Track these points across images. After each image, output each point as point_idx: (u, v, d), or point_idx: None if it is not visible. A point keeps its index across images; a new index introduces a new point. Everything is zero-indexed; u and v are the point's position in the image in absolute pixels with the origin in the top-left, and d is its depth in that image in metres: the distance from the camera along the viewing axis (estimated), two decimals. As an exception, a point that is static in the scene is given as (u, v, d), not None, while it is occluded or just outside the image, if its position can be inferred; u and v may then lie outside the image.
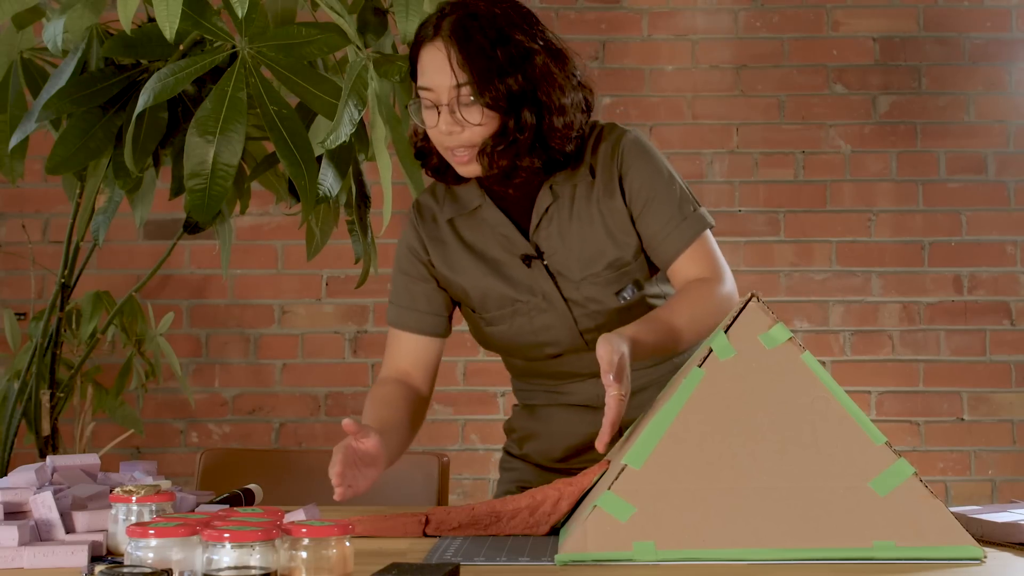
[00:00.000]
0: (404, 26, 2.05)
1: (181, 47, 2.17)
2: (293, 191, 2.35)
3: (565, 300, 1.84)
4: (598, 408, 1.83)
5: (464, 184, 1.89)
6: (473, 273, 1.88)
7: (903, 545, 1.29)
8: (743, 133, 3.82)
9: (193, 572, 1.14)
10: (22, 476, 1.58)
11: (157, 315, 3.00)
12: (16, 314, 3.12)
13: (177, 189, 2.23)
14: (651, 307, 1.85)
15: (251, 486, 1.84)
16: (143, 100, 1.98)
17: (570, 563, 1.31)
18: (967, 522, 1.45)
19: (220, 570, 1.09)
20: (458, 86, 1.72)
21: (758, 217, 3.78)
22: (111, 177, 2.29)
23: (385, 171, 2.16)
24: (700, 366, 1.38)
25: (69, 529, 1.47)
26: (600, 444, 1.53)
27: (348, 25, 2.06)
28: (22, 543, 1.39)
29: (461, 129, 1.75)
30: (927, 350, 3.75)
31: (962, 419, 3.74)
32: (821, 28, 3.83)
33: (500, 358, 2.02)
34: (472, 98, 1.73)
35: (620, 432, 1.71)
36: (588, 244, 1.83)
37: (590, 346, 1.75)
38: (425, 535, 1.54)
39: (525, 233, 1.86)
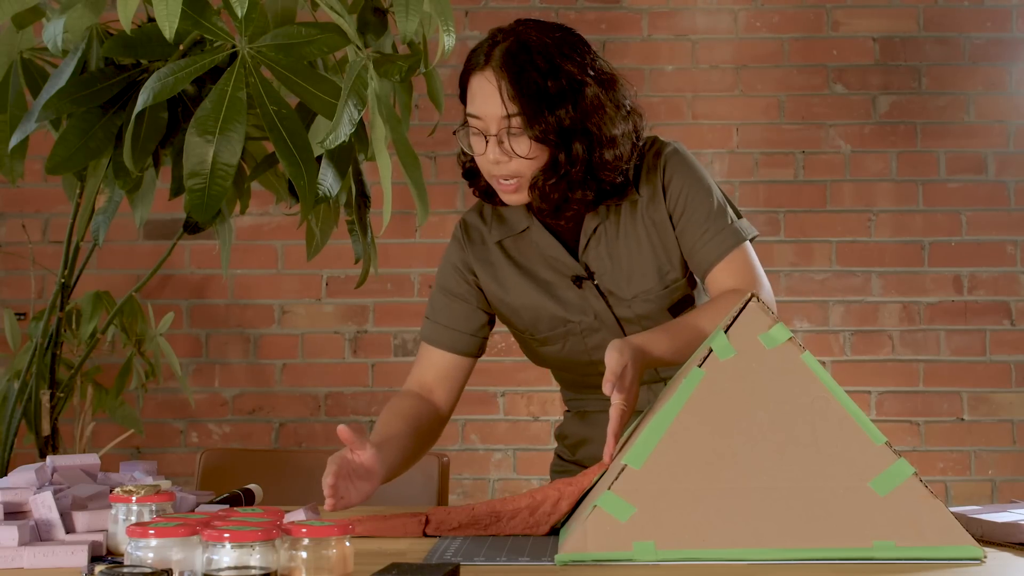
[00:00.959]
0: (404, 26, 2.05)
1: (181, 47, 2.17)
2: (293, 191, 2.35)
3: (617, 319, 1.85)
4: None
5: (511, 206, 1.88)
6: (525, 293, 1.88)
7: (903, 545, 1.29)
8: (743, 133, 3.82)
9: (193, 572, 1.14)
10: (22, 476, 1.58)
11: (157, 315, 3.00)
12: (16, 314, 3.12)
13: (177, 189, 2.23)
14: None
15: (251, 486, 1.84)
16: (143, 100, 1.98)
17: (570, 563, 1.31)
18: (967, 522, 1.45)
19: (220, 570, 1.09)
20: (508, 116, 1.71)
21: (758, 217, 3.78)
22: (111, 177, 2.29)
23: (385, 171, 2.16)
24: (700, 366, 1.38)
25: (69, 529, 1.47)
26: (606, 455, 1.53)
27: (348, 25, 2.06)
28: (22, 543, 1.39)
29: (509, 159, 1.74)
30: (927, 350, 3.75)
31: (962, 419, 3.74)
32: (821, 28, 3.83)
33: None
34: (521, 130, 1.72)
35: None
36: (637, 262, 1.83)
37: None
38: (425, 535, 1.54)
39: (574, 254, 1.86)
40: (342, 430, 1.61)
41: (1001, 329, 3.75)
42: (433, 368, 1.94)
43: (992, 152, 3.79)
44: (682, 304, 1.87)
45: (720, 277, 1.79)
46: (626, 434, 1.67)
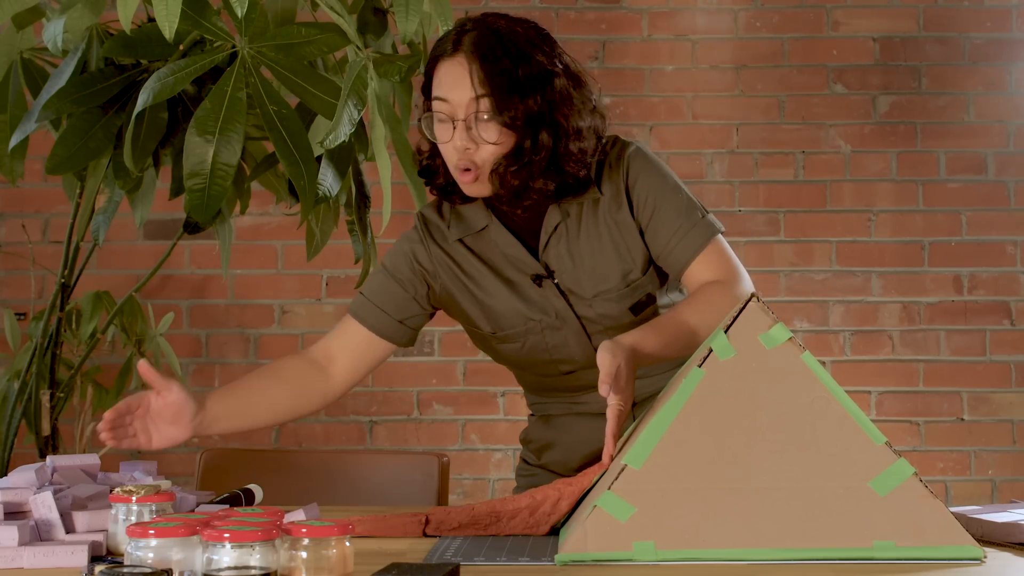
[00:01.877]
0: (404, 26, 2.05)
1: (181, 47, 2.17)
2: (293, 191, 2.35)
3: (578, 318, 1.84)
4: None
5: (470, 204, 1.87)
6: (489, 289, 1.87)
7: (903, 545, 1.29)
8: (743, 133, 3.82)
9: (193, 572, 1.14)
10: (22, 476, 1.58)
11: (157, 315, 3.00)
12: (16, 314, 3.12)
13: (177, 189, 2.23)
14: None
15: (251, 486, 1.84)
16: (143, 100, 1.98)
17: (570, 563, 1.31)
18: (967, 522, 1.45)
19: (220, 570, 1.09)
20: (477, 99, 1.71)
21: (758, 217, 3.78)
22: (111, 177, 2.29)
23: (385, 171, 2.16)
24: (700, 366, 1.38)
25: (69, 529, 1.47)
26: (606, 457, 1.53)
27: (348, 25, 2.06)
28: (22, 543, 1.39)
29: (476, 147, 1.73)
30: (927, 350, 3.75)
31: (962, 419, 3.74)
32: (821, 28, 3.83)
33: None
34: (489, 115, 1.71)
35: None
36: (598, 261, 1.83)
37: None
38: (425, 535, 1.54)
39: (534, 252, 1.85)
40: (142, 365, 1.65)
41: (1001, 329, 3.75)
42: (347, 340, 1.92)
43: (992, 152, 3.79)
44: (644, 303, 1.85)
45: (698, 272, 1.79)
46: (626, 434, 1.67)
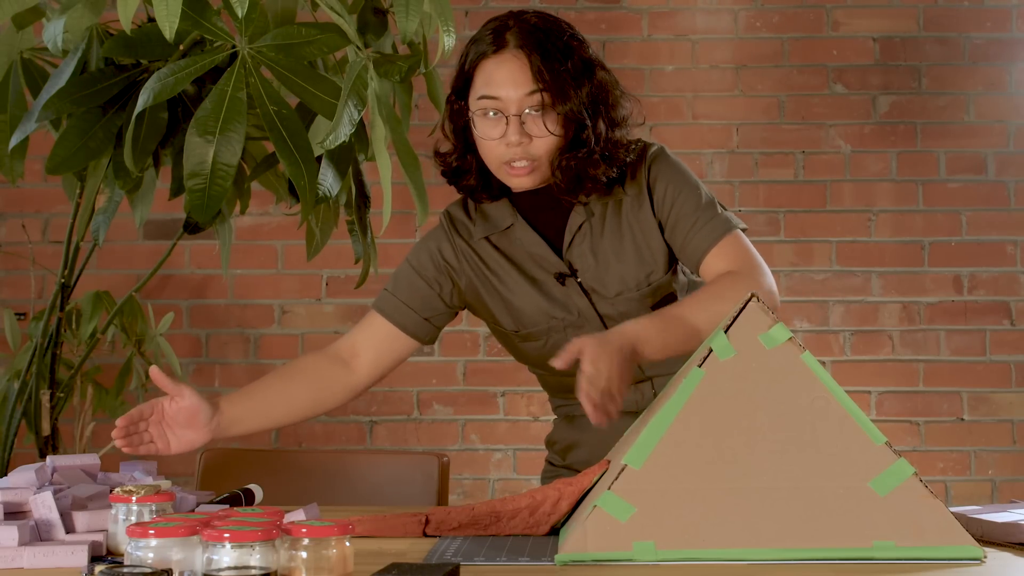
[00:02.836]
0: (404, 26, 2.05)
1: (181, 47, 2.17)
2: (293, 191, 2.35)
3: (600, 317, 1.85)
4: (639, 413, 1.84)
5: (495, 203, 1.89)
6: (514, 287, 1.89)
7: (903, 545, 1.29)
8: (743, 133, 3.82)
9: (193, 572, 1.14)
10: (22, 476, 1.58)
11: (157, 315, 3.00)
12: (16, 314, 3.12)
13: (177, 189, 2.23)
14: None
15: (251, 486, 1.84)
16: (143, 100, 1.98)
17: (570, 563, 1.31)
18: (967, 522, 1.45)
19: (220, 570, 1.09)
20: (537, 92, 1.73)
21: (758, 217, 3.78)
22: (111, 177, 2.29)
23: (385, 171, 2.16)
24: (700, 366, 1.38)
25: (69, 529, 1.47)
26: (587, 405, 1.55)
27: (348, 25, 2.06)
28: (22, 543, 1.39)
29: (530, 140, 1.76)
30: (927, 350, 3.75)
31: (962, 419, 3.74)
32: (821, 28, 3.83)
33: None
34: (546, 108, 1.74)
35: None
36: (621, 261, 1.84)
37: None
38: (425, 535, 1.54)
39: (558, 252, 1.86)
40: (154, 371, 1.65)
41: (1001, 329, 3.75)
42: (372, 335, 1.94)
43: (992, 152, 3.79)
44: (665, 303, 1.86)
45: (713, 263, 1.79)
46: (626, 434, 1.67)
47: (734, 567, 1.28)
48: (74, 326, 2.81)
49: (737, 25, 3.83)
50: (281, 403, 1.89)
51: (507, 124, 1.75)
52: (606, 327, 1.84)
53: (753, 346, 1.38)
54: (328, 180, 2.16)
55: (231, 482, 2.13)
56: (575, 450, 1.99)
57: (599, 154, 1.77)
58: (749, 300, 1.41)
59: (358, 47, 2.09)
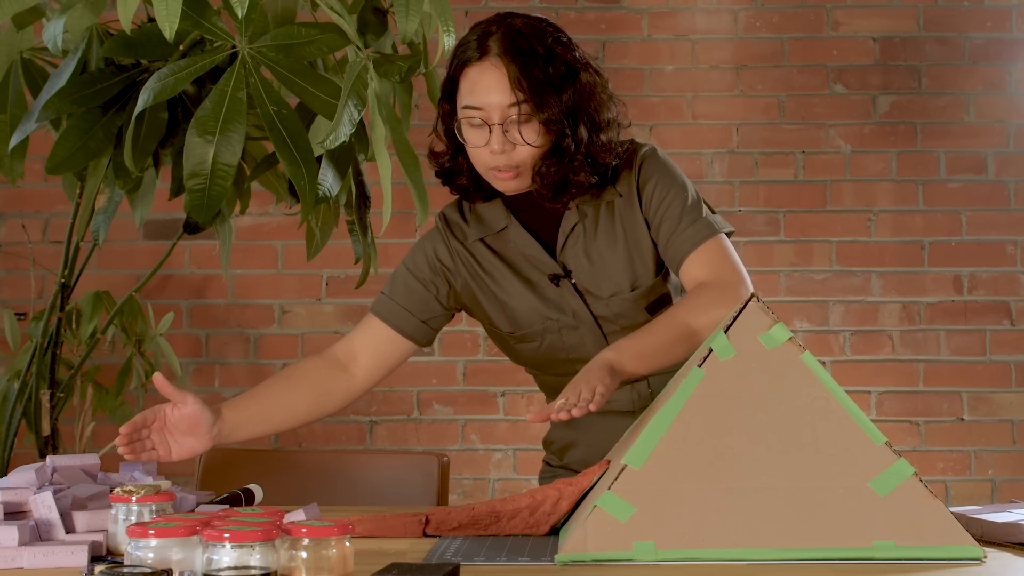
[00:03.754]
0: (404, 26, 2.05)
1: (181, 47, 2.17)
2: (293, 191, 2.35)
3: (595, 317, 1.85)
4: (635, 412, 1.84)
5: (489, 204, 1.89)
6: (508, 288, 1.89)
7: (903, 545, 1.29)
8: (743, 133, 3.82)
9: (193, 572, 1.14)
10: (22, 476, 1.58)
11: (157, 315, 3.00)
12: (16, 314, 3.12)
13: (177, 189, 2.23)
14: None
15: (251, 486, 1.84)
16: (143, 100, 1.98)
17: (570, 563, 1.31)
18: (967, 522, 1.45)
19: (220, 570, 1.09)
20: (516, 104, 1.73)
21: (758, 217, 3.78)
22: (111, 177, 2.29)
23: (385, 171, 2.16)
24: (700, 366, 1.38)
25: (69, 529, 1.47)
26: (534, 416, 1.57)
27: (348, 25, 2.06)
28: (22, 543, 1.39)
29: (513, 148, 1.75)
30: (927, 350, 3.75)
31: (962, 419, 3.74)
32: (821, 28, 3.83)
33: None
34: (528, 117, 1.74)
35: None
36: (614, 261, 1.84)
37: None
38: (425, 535, 1.54)
39: (552, 253, 1.86)
40: (157, 378, 1.65)
41: (1001, 329, 3.75)
42: (369, 339, 1.94)
43: (992, 152, 3.79)
44: (659, 303, 1.86)
45: (692, 269, 1.78)
46: (626, 434, 1.67)
47: (734, 567, 1.28)
48: (74, 326, 2.81)
49: (737, 25, 3.83)
50: (281, 409, 1.89)
51: (490, 133, 1.75)
52: (601, 328, 1.85)
53: (753, 346, 1.38)
54: (328, 180, 2.16)
55: (231, 482, 2.13)
56: (572, 450, 1.99)
57: (581, 160, 1.77)
58: (749, 300, 1.41)
59: (358, 47, 2.09)
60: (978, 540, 1.34)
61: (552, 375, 1.94)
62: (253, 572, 1.09)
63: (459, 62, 1.79)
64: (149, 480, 1.74)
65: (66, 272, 2.46)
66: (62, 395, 2.52)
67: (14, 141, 2.16)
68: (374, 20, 2.30)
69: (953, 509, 1.42)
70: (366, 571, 1.18)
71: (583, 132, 1.77)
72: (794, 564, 1.29)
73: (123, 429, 1.69)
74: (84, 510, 1.49)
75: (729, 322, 1.40)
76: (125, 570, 1.09)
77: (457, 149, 1.85)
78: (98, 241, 2.37)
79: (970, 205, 3.78)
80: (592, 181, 1.79)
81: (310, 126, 2.26)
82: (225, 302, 3.80)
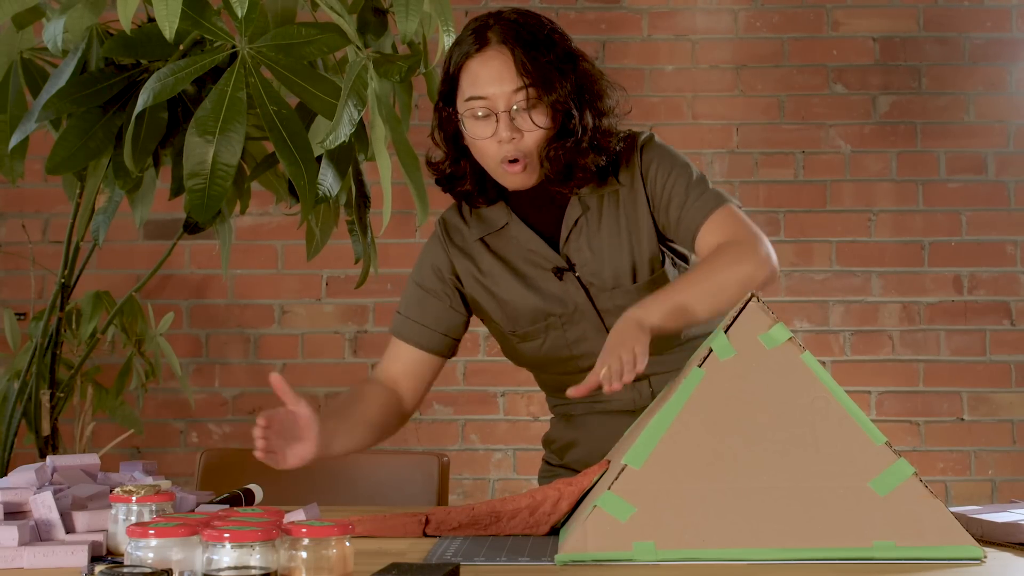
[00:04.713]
0: (404, 26, 2.05)
1: (181, 47, 2.17)
2: (293, 191, 2.35)
3: (598, 311, 1.85)
4: (635, 412, 1.84)
5: (490, 205, 1.90)
6: (507, 287, 1.89)
7: (903, 545, 1.29)
8: (743, 133, 3.82)
9: (193, 572, 1.14)
10: (22, 476, 1.58)
11: (157, 315, 3.00)
12: (16, 314, 3.12)
13: (177, 189, 2.23)
14: None
15: (251, 486, 1.84)
16: (143, 100, 1.98)
17: (570, 563, 1.31)
18: (967, 522, 1.45)
19: (220, 570, 1.09)
20: (524, 88, 1.75)
21: (758, 217, 3.78)
22: (111, 177, 2.29)
23: (385, 171, 2.16)
24: (700, 366, 1.38)
25: (69, 529, 1.47)
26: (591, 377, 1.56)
27: (348, 25, 2.06)
28: (22, 543, 1.39)
29: (521, 135, 1.77)
30: (927, 350, 3.75)
31: (962, 419, 3.74)
32: (821, 28, 3.83)
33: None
34: (534, 101, 1.75)
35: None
36: (617, 253, 1.84)
37: None
38: (425, 535, 1.54)
39: (555, 247, 1.87)
40: (275, 378, 1.62)
41: (1001, 329, 3.75)
42: (400, 362, 1.94)
43: (992, 152, 3.79)
44: None
45: (707, 238, 1.78)
46: (626, 434, 1.67)
47: (734, 567, 1.28)
48: (74, 326, 2.81)
49: (737, 25, 3.83)
50: (361, 426, 1.85)
51: (497, 121, 1.76)
52: (603, 321, 1.85)
53: (753, 346, 1.38)
54: (328, 180, 2.16)
55: (231, 482, 2.13)
56: (573, 449, 1.99)
57: (587, 143, 1.79)
58: (749, 300, 1.41)
59: (358, 47, 2.09)
60: (978, 540, 1.34)
61: (555, 373, 1.94)
62: (253, 572, 1.09)
63: (459, 57, 1.80)
64: (149, 480, 1.74)
65: (66, 272, 2.46)
66: (62, 395, 2.52)
67: (14, 141, 2.16)
68: (374, 20, 2.30)
69: (953, 509, 1.42)
70: (366, 571, 1.19)
71: (589, 116, 1.79)
72: (794, 564, 1.29)
73: (262, 422, 1.61)
74: (84, 510, 1.49)
75: (729, 322, 1.40)
76: (125, 570, 1.09)
77: (458, 153, 1.85)
78: (98, 241, 2.37)
79: (970, 205, 3.78)
80: (600, 163, 1.80)
81: (310, 126, 2.26)
82: (225, 302, 3.80)
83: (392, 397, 1.91)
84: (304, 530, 1.14)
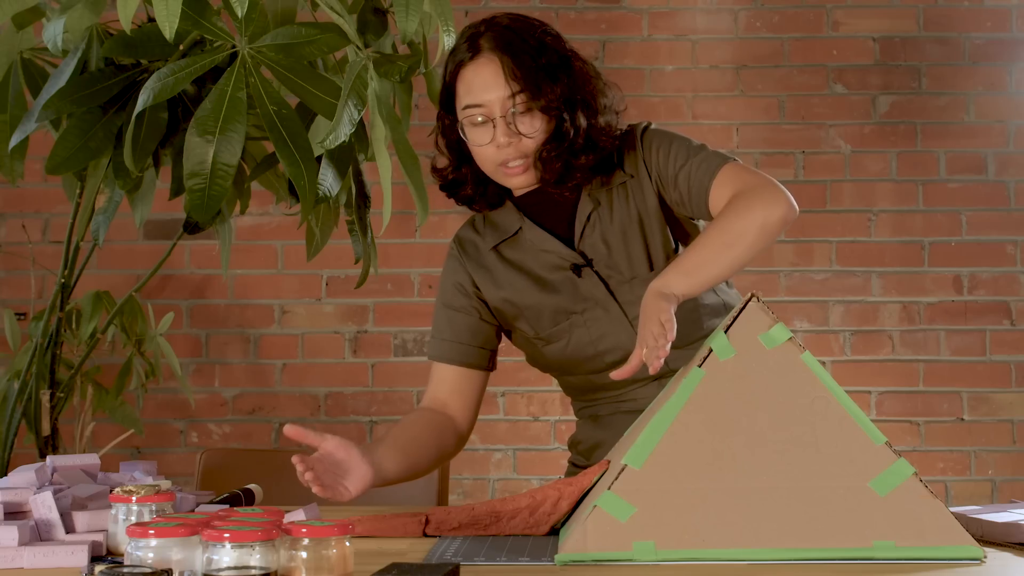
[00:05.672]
0: (404, 26, 2.05)
1: (181, 47, 2.17)
2: (293, 191, 2.35)
3: (619, 303, 1.86)
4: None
5: (501, 210, 1.93)
6: (525, 292, 1.90)
7: (903, 545, 1.29)
8: (743, 133, 3.82)
9: (193, 572, 1.14)
10: (22, 476, 1.58)
11: (157, 315, 3.00)
12: (16, 314, 3.12)
13: (177, 189, 2.23)
14: (700, 301, 1.86)
15: (251, 486, 1.84)
16: (143, 100, 1.98)
17: (570, 563, 1.31)
18: (967, 522, 1.45)
19: (220, 570, 1.09)
20: (514, 95, 1.78)
21: (758, 217, 3.78)
22: (111, 177, 2.29)
23: (385, 171, 2.16)
24: (700, 366, 1.38)
25: (69, 529, 1.47)
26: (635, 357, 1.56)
27: (348, 25, 2.06)
28: (22, 543, 1.39)
29: (518, 139, 1.80)
30: (927, 350, 3.75)
31: (962, 419, 3.74)
32: (821, 28, 3.83)
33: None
34: (528, 106, 1.78)
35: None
36: (631, 245, 1.86)
37: None
38: (425, 535, 1.54)
39: (570, 245, 1.88)
40: (289, 430, 1.60)
41: (1001, 329, 3.75)
42: (444, 384, 1.95)
43: (992, 152, 3.79)
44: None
45: (718, 194, 1.78)
46: (626, 434, 1.67)
47: (734, 567, 1.28)
48: (74, 326, 2.81)
49: (737, 25, 3.83)
50: (421, 455, 1.85)
51: (494, 127, 1.79)
52: (625, 314, 1.86)
53: (753, 346, 1.38)
54: (328, 180, 2.16)
55: (231, 482, 2.13)
56: (600, 449, 1.99)
57: (581, 145, 1.81)
58: (749, 300, 1.41)
59: (358, 47, 2.09)
60: (978, 540, 1.34)
61: (582, 374, 1.94)
62: (253, 572, 1.09)
63: (453, 65, 1.84)
64: (149, 480, 1.74)
65: (66, 272, 2.46)
66: (62, 395, 2.52)
67: (14, 141, 2.16)
68: (374, 20, 2.30)
69: (953, 509, 1.42)
70: (366, 571, 1.19)
71: (581, 117, 1.81)
72: (794, 564, 1.29)
73: (302, 469, 1.57)
74: (84, 510, 1.49)
75: (729, 322, 1.40)
76: (125, 570, 1.09)
77: (461, 159, 1.89)
78: (98, 241, 2.37)
79: (970, 205, 3.78)
80: (592, 163, 1.82)
81: (310, 126, 2.26)
82: (225, 302, 3.80)
83: (441, 418, 1.92)
84: (304, 530, 1.14)
